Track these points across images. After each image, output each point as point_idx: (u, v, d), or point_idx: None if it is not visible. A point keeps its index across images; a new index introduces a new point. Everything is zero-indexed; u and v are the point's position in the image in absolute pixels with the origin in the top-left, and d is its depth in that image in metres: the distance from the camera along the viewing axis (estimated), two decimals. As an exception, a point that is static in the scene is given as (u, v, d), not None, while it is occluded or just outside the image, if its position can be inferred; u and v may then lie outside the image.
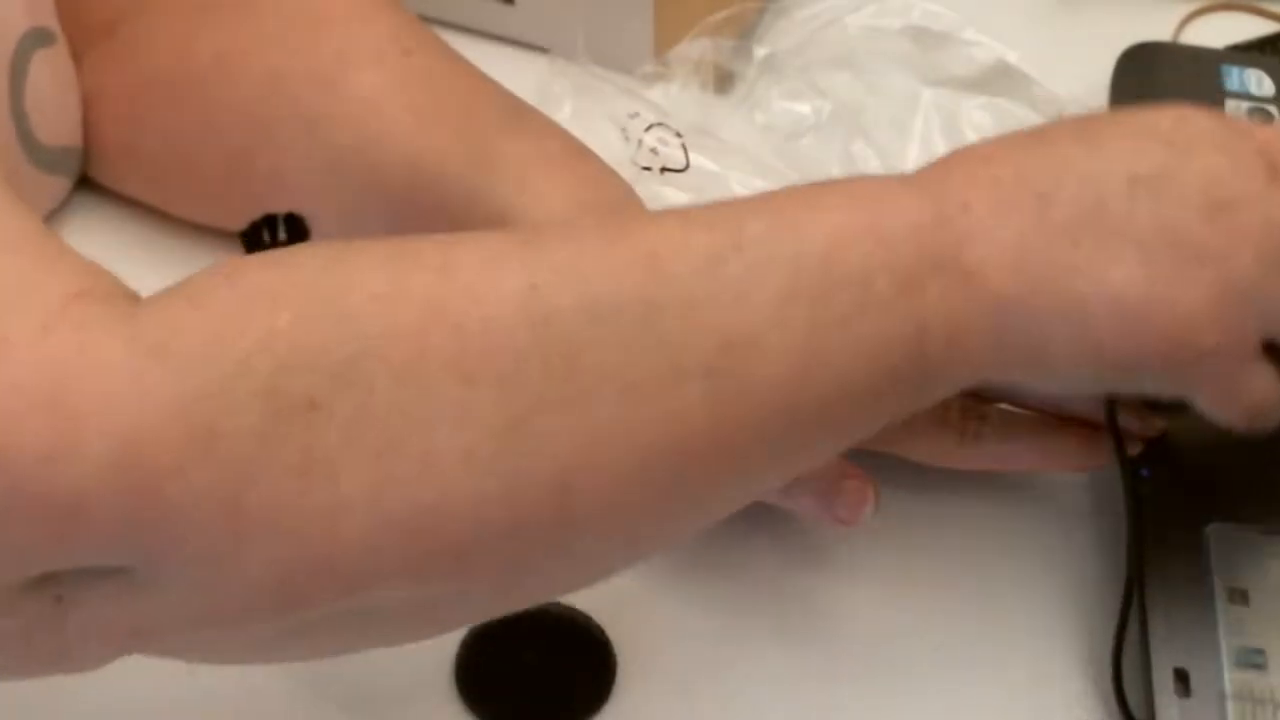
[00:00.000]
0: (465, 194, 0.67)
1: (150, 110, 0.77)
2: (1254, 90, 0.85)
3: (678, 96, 0.85)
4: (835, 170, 0.78)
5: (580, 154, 0.70)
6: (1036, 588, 0.69)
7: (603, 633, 0.66)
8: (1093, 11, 0.92)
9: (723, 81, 0.86)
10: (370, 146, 0.69)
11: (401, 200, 0.69)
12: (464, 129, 0.68)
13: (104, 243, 0.78)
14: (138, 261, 0.77)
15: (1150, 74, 0.84)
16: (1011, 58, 0.78)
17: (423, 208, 0.68)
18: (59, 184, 0.78)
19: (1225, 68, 0.85)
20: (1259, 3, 0.94)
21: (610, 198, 0.68)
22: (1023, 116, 0.82)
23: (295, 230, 0.60)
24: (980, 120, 0.82)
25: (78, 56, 0.78)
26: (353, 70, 0.71)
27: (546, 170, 0.67)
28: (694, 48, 0.83)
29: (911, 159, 0.80)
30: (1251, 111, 0.83)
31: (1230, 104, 0.84)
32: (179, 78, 0.76)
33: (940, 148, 0.80)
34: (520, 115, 0.71)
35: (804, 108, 0.81)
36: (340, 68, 0.71)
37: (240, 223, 0.75)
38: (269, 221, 0.61)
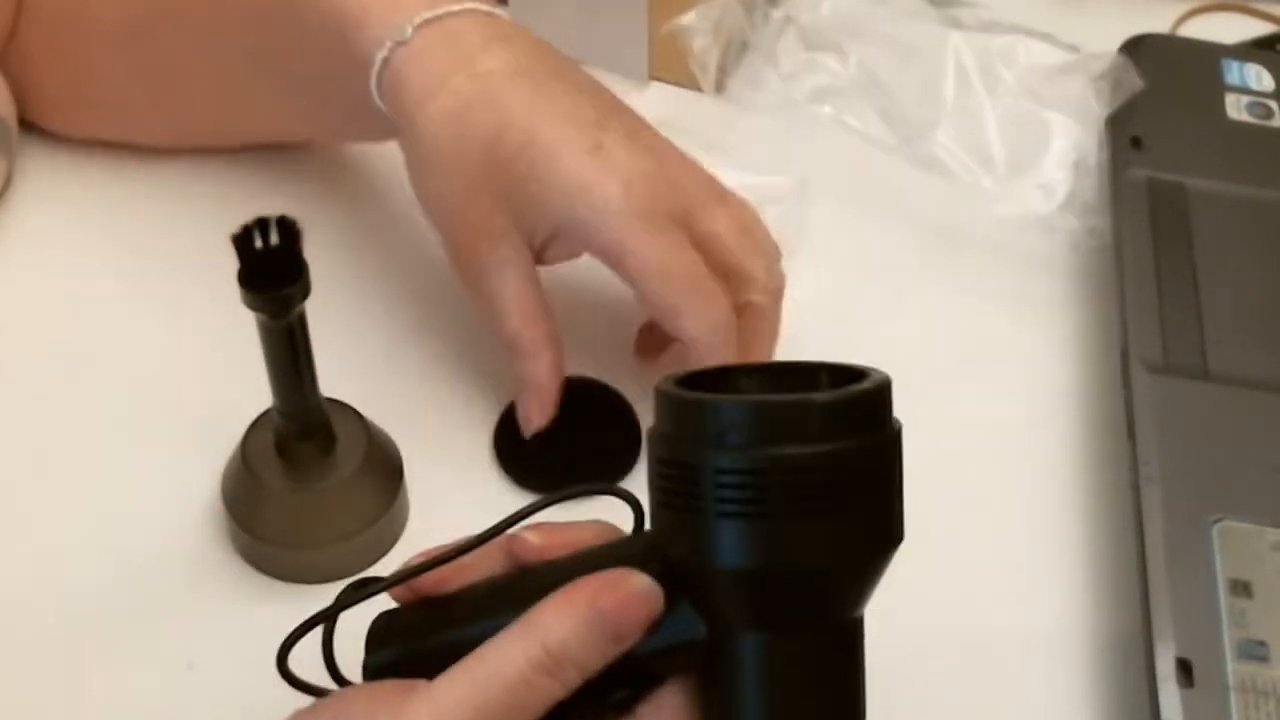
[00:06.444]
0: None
1: (98, 58, 0.79)
2: (1254, 85, 0.84)
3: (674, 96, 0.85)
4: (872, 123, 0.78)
5: None
6: (1040, 582, 0.69)
7: (626, 401, 0.71)
8: (1090, 8, 0.92)
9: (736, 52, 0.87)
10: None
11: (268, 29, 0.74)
12: None
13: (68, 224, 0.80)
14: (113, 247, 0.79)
15: (1150, 66, 0.83)
16: (1017, 16, 0.77)
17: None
18: None
19: (1225, 61, 0.85)
20: (1254, 3, 0.94)
21: None
22: (1046, 51, 0.82)
23: (287, 232, 0.60)
24: (1011, 55, 0.81)
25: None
26: None
27: None
28: (711, 10, 0.81)
29: (949, 97, 0.79)
30: (1251, 106, 0.83)
31: (1230, 98, 0.83)
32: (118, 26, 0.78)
33: (976, 83, 0.79)
34: None
35: (829, 61, 0.80)
36: None
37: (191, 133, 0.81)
38: (260, 224, 0.60)
